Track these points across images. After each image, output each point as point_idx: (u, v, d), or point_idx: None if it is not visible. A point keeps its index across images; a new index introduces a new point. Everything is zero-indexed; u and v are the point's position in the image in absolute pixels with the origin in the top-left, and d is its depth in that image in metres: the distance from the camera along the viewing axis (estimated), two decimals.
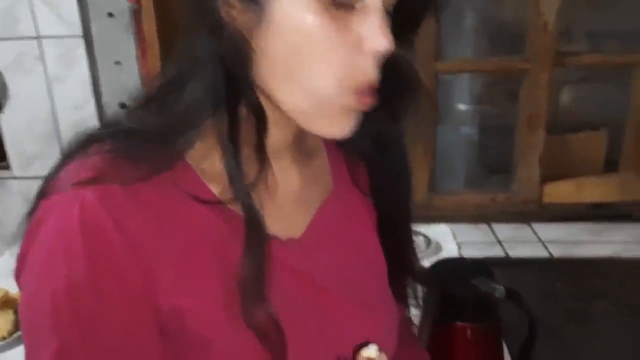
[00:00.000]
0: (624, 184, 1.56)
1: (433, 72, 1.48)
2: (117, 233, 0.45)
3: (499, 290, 0.81)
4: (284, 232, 0.55)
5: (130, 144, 0.47)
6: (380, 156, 0.62)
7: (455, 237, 1.49)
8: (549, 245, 1.46)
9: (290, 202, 0.57)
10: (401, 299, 0.69)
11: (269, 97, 0.50)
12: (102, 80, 1.35)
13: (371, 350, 0.42)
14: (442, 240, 1.45)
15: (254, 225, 0.50)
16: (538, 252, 1.43)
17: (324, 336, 0.53)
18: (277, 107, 0.50)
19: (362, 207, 0.65)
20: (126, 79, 1.33)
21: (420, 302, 0.81)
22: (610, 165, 1.62)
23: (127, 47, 1.32)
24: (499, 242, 1.48)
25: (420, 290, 0.91)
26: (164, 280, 0.46)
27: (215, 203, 0.50)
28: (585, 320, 1.18)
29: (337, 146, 0.64)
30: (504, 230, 1.53)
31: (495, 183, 1.66)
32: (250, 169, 0.50)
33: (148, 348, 0.47)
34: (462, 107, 1.93)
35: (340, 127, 0.49)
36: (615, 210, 1.56)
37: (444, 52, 1.52)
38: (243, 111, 0.50)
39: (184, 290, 0.47)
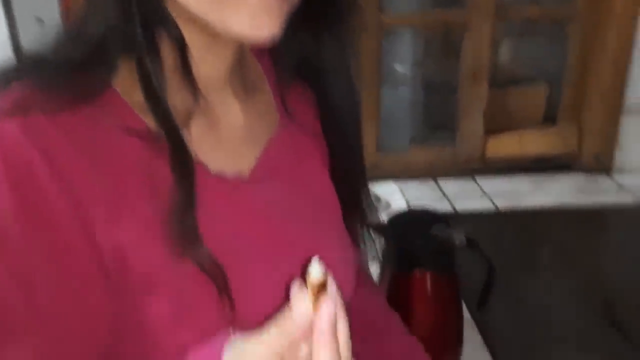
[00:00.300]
0: (562, 136, 1.60)
1: (379, 26, 1.46)
2: (43, 164, 0.42)
3: (459, 237, 0.80)
4: (231, 169, 0.53)
5: (51, 75, 0.45)
6: (328, 91, 0.61)
7: (403, 195, 1.50)
8: (494, 198, 1.49)
9: (236, 138, 0.55)
10: (356, 246, 0.68)
11: (186, 17, 0.47)
12: (23, 40, 1.24)
13: (315, 268, 0.39)
14: (391, 198, 1.46)
15: (179, 155, 0.47)
16: (484, 205, 1.46)
17: (276, 271, 0.52)
18: (203, 31, 0.48)
19: (313, 146, 0.63)
20: (49, 38, 1.23)
21: (376, 253, 0.80)
22: (549, 119, 1.66)
23: (49, 3, 1.22)
24: (446, 197, 1.49)
25: (375, 241, 0.90)
26: (97, 213, 0.44)
27: (145, 134, 0.47)
28: (533, 267, 1.22)
29: (284, 82, 0.61)
30: (450, 185, 1.55)
31: (440, 140, 1.67)
32: (181, 100, 0.49)
33: (85, 282, 0.44)
34: (402, 67, 1.93)
35: (259, 25, 0.46)
36: (555, 161, 1.61)
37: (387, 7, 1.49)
38: (164, 38, 0.48)
39: (120, 224, 0.45)
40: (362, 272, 0.75)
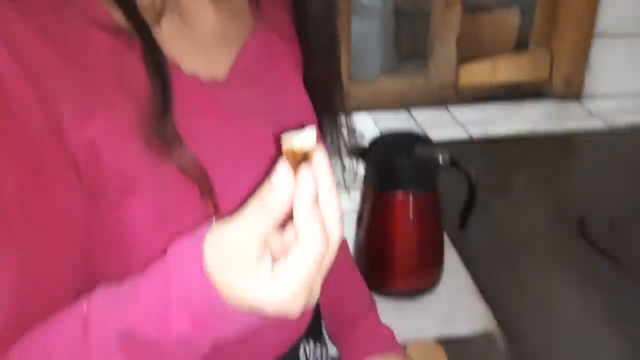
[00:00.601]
0: (534, 62, 1.59)
1: None
2: (5, 51, 0.39)
3: (443, 155, 0.79)
4: (206, 72, 0.52)
5: None
6: None
7: (376, 125, 1.48)
8: (467, 127, 1.48)
9: (209, 42, 0.54)
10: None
11: None
12: None
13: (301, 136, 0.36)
14: (364, 129, 1.44)
15: (151, 51, 0.45)
16: (458, 133, 1.45)
17: (252, 171, 0.51)
18: None
19: (287, 51, 0.62)
20: None
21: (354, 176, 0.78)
22: (521, 45, 1.64)
23: None
24: (420, 127, 1.48)
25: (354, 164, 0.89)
26: (67, 109, 0.41)
27: (115, 29, 0.45)
28: (507, 191, 1.23)
29: None
30: (423, 115, 1.53)
31: (412, 69, 1.64)
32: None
33: (56, 180, 0.42)
34: None
35: None
36: (527, 88, 1.60)
37: None
38: None
39: (92, 121, 0.42)
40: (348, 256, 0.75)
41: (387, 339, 0.71)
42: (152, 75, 0.44)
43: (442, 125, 1.50)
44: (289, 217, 0.36)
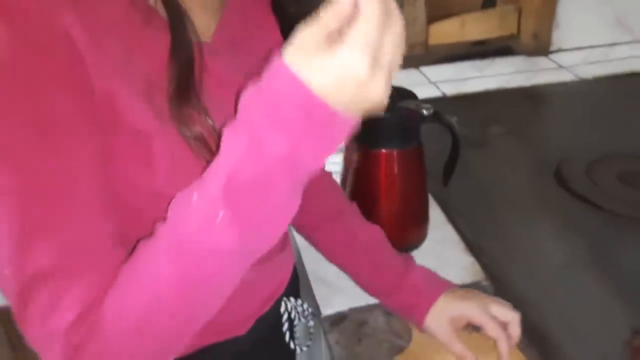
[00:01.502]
0: (502, 19, 1.59)
1: None
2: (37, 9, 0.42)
3: (427, 107, 0.79)
4: (195, 37, 0.53)
5: None
6: None
7: None
8: (440, 85, 1.49)
9: (196, 6, 0.55)
10: None
11: None
12: None
13: None
14: None
15: (179, 28, 0.49)
16: (431, 92, 1.46)
17: None
18: None
19: (266, 18, 0.64)
20: None
21: None
22: (489, 2, 1.64)
23: None
24: (393, 88, 1.47)
25: None
26: (90, 59, 0.44)
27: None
28: (483, 146, 1.24)
29: None
30: (394, 75, 1.52)
31: None
32: None
33: (80, 122, 0.44)
34: None
35: None
36: (495, 45, 1.61)
37: None
38: None
39: (110, 73, 0.45)
40: None
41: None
42: (176, 43, 0.47)
43: (414, 84, 1.50)
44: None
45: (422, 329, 0.73)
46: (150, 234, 0.45)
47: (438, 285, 0.74)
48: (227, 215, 0.41)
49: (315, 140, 0.39)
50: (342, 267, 0.81)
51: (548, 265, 0.90)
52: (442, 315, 0.71)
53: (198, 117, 0.49)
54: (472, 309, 0.70)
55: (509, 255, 0.92)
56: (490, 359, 0.70)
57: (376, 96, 0.39)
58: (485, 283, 0.85)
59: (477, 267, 0.88)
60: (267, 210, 0.42)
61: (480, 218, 1.00)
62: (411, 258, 0.78)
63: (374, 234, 0.80)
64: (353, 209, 0.81)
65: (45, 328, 0.43)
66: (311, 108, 0.38)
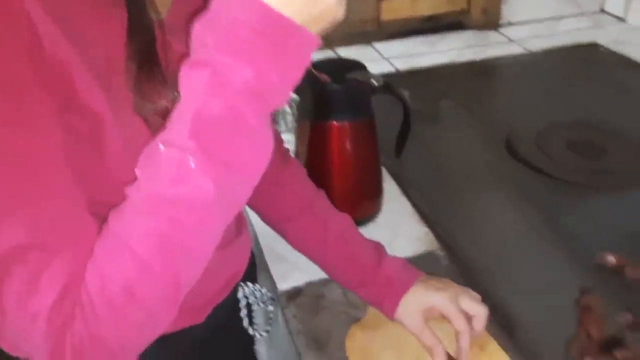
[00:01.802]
0: None
1: None
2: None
3: (377, 77, 0.78)
4: (154, 13, 0.51)
5: None
6: None
7: None
8: (393, 61, 1.49)
9: None
10: None
11: None
12: None
13: None
14: None
15: (138, 5, 0.47)
16: (383, 68, 1.45)
17: None
18: None
19: None
20: None
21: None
22: None
23: None
24: (343, 60, 1.46)
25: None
26: (45, 29, 0.41)
27: None
28: (438, 119, 1.25)
29: None
30: (347, 52, 1.52)
31: None
32: None
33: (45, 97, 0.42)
34: None
35: None
36: (446, 20, 1.62)
37: None
38: None
39: (68, 49, 0.42)
40: (281, 146, 0.77)
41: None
42: (135, 21, 0.46)
43: (367, 60, 1.46)
44: None
45: (393, 319, 0.72)
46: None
47: (409, 276, 0.73)
48: (200, 160, 0.39)
49: (277, 58, 0.38)
50: (313, 259, 0.78)
51: (500, 232, 0.91)
52: (412, 307, 0.70)
53: (163, 91, 0.47)
54: (441, 300, 0.69)
55: (462, 224, 0.93)
56: (445, 325, 0.71)
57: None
58: (439, 252, 0.86)
59: (431, 237, 0.89)
60: (241, 149, 0.40)
61: (433, 189, 1.01)
62: (382, 248, 0.76)
63: (345, 224, 0.77)
64: (323, 198, 0.79)
65: (25, 310, 0.40)
66: (266, 21, 0.37)
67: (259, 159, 0.42)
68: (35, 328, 0.41)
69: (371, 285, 0.73)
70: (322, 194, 0.79)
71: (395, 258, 0.75)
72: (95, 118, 0.44)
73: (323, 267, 0.78)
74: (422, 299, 0.70)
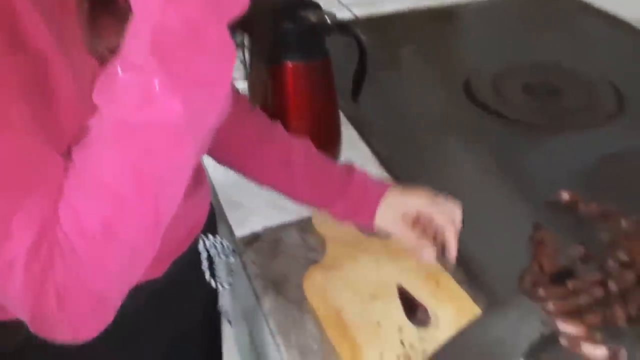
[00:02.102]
0: None
1: None
2: None
3: (331, 15, 0.76)
4: None
5: None
6: None
7: None
8: (352, 7, 1.46)
9: None
10: None
11: None
12: None
13: None
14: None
15: None
16: (343, 14, 1.42)
17: None
18: None
19: None
20: None
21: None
22: None
23: None
24: None
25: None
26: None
27: None
28: (397, 65, 1.24)
29: None
30: None
31: None
32: None
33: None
34: None
35: None
36: None
37: None
38: None
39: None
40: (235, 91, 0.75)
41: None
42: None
43: (326, 7, 1.45)
44: None
45: (372, 229, 0.70)
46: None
47: (382, 184, 0.72)
48: (164, 80, 0.36)
49: None
50: (280, 187, 0.75)
51: (458, 174, 0.92)
52: (391, 212, 0.69)
53: (119, 28, 0.43)
54: (420, 201, 0.68)
55: (421, 168, 0.93)
56: (401, 262, 0.71)
57: None
58: None
59: (390, 183, 0.89)
60: (204, 62, 0.38)
61: (392, 134, 1.01)
62: (350, 163, 0.74)
63: (307, 144, 0.75)
64: (280, 127, 0.76)
65: (1, 257, 0.38)
66: None
67: (224, 72, 0.40)
68: (12, 277, 0.38)
69: (347, 197, 0.71)
70: (278, 123, 0.76)
71: (364, 171, 0.73)
72: (39, 57, 0.41)
73: (291, 191, 0.74)
74: (399, 203, 0.69)
